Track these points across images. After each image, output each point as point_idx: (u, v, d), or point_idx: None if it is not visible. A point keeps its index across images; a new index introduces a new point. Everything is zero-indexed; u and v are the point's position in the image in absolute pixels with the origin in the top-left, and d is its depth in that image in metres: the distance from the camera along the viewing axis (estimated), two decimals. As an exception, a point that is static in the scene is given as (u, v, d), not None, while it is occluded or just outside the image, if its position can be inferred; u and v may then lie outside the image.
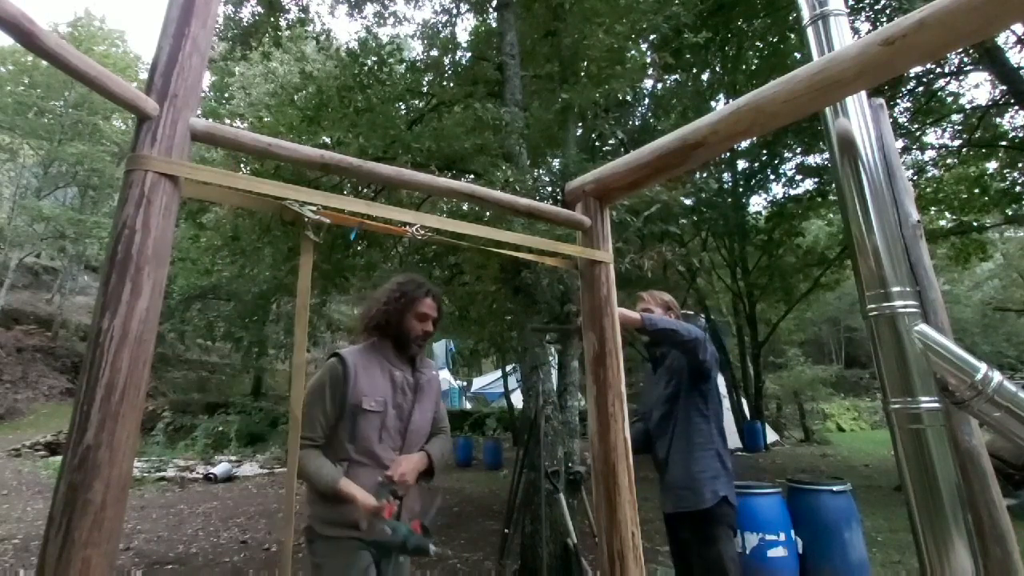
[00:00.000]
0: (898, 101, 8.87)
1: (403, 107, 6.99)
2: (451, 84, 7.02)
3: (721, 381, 12.46)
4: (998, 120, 9.45)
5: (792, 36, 8.06)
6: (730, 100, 4.00)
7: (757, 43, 9.37)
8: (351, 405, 1.76)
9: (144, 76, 4.18)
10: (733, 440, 12.09)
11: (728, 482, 2.27)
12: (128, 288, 0.98)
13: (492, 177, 4.45)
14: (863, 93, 1.69)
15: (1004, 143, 9.30)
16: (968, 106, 9.49)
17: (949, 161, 10.21)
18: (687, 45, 6.37)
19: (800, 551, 3.68)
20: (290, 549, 1.22)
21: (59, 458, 1.71)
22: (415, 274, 2.08)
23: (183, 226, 8.07)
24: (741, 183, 12.10)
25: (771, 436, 13.29)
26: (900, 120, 9.14)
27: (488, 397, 19.01)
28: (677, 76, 9.70)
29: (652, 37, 6.47)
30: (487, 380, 20.10)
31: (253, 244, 6.47)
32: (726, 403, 12.23)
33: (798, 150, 10.60)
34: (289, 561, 1.20)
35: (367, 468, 1.74)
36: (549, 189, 5.51)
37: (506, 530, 3.07)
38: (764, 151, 10.85)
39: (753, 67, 9.52)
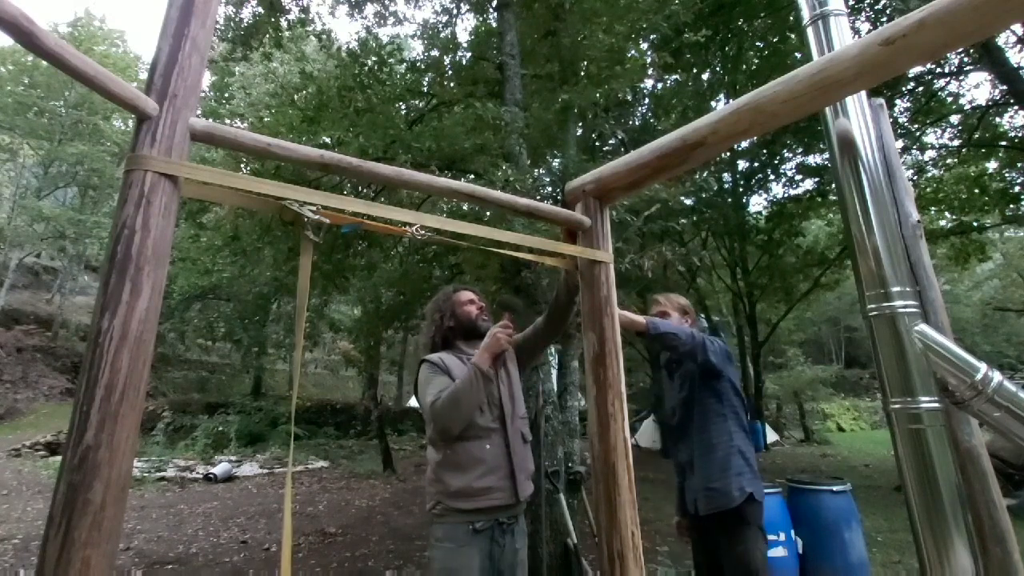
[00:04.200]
0: (898, 101, 8.87)
1: (403, 107, 6.98)
2: (451, 84, 7.01)
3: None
4: (998, 120, 9.45)
5: (792, 36, 8.06)
6: (730, 100, 4.00)
7: (757, 43, 9.37)
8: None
9: (144, 76, 4.18)
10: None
11: (753, 479, 2.23)
12: (128, 288, 0.98)
13: (492, 177, 4.44)
14: (863, 93, 1.69)
15: (1004, 143, 9.30)
16: (968, 106, 9.49)
17: (949, 161, 10.20)
18: (687, 45, 6.37)
19: (800, 551, 3.68)
20: (290, 549, 1.22)
21: (59, 458, 1.71)
22: (444, 287, 2.35)
23: (183, 226, 8.07)
24: (741, 183, 12.10)
25: (771, 436, 13.29)
26: (900, 120, 9.14)
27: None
28: (677, 76, 9.70)
29: (652, 37, 6.47)
30: (487, 380, 20.10)
31: (253, 244, 6.46)
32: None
33: (798, 150, 10.60)
34: (289, 561, 1.21)
35: (472, 441, 1.90)
36: (549, 189, 5.51)
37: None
38: (764, 151, 10.85)
39: (753, 67, 9.51)
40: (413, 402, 19.44)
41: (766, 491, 3.53)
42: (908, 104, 9.29)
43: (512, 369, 2.14)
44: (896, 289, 1.57)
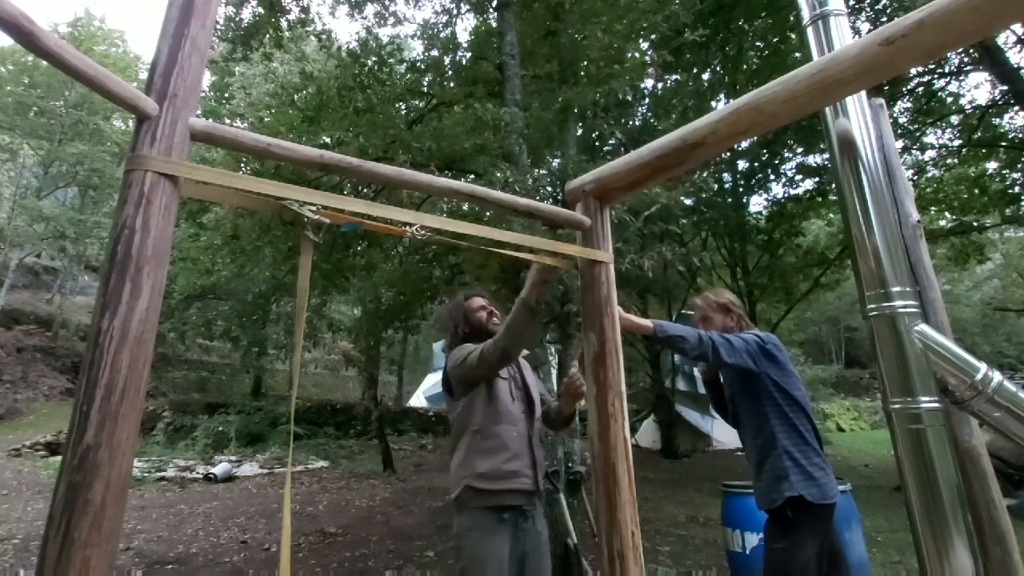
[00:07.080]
0: (898, 101, 8.87)
1: (403, 107, 6.98)
2: (451, 84, 7.01)
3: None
4: (998, 120, 9.44)
5: (792, 36, 8.05)
6: (730, 100, 4.00)
7: (757, 43, 9.36)
8: None
9: (144, 76, 4.18)
10: (734, 440, 12.06)
11: (804, 481, 2.06)
12: (128, 288, 0.98)
13: (492, 177, 4.44)
14: (863, 93, 1.69)
15: (1004, 143, 9.30)
16: (968, 106, 9.49)
17: (949, 161, 10.20)
18: (687, 44, 6.35)
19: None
20: (289, 549, 1.22)
21: (59, 458, 1.72)
22: (456, 296, 2.47)
23: (183, 226, 8.07)
24: (741, 183, 12.09)
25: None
26: (900, 120, 9.14)
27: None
28: (677, 76, 9.70)
29: (652, 37, 6.46)
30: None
31: (253, 244, 6.46)
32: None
33: (798, 150, 10.60)
34: (289, 561, 1.20)
35: (502, 425, 2.00)
36: (549, 189, 5.51)
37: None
38: (764, 151, 10.84)
39: (753, 67, 9.51)
40: (413, 402, 19.37)
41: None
42: (908, 104, 9.29)
43: (532, 375, 2.27)
44: (896, 289, 1.57)
